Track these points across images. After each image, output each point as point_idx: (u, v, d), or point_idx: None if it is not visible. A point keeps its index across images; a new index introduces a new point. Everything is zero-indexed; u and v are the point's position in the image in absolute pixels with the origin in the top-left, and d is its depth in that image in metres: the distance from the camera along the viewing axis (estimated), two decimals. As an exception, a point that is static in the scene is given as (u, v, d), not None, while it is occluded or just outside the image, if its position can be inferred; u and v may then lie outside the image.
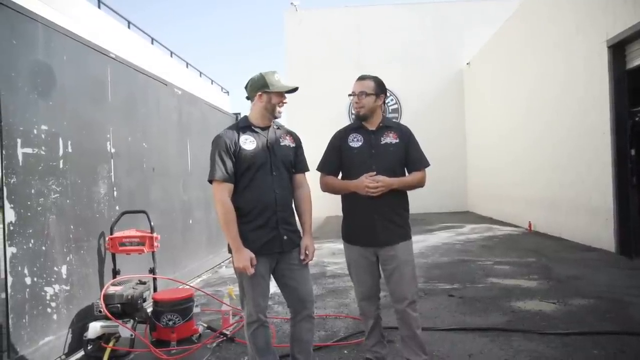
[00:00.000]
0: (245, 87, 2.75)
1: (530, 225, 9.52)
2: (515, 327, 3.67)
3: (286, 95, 2.68)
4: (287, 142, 2.73)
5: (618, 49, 6.41)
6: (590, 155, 7.12)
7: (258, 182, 2.57)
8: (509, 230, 9.85)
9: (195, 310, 3.85)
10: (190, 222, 6.13)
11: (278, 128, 2.75)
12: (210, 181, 2.58)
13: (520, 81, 10.12)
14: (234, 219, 2.51)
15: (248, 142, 2.59)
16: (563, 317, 3.90)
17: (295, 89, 2.69)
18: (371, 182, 2.69)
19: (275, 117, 2.70)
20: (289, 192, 2.71)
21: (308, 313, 2.67)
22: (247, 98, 2.75)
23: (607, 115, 6.56)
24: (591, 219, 7.13)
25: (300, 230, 2.74)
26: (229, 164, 2.54)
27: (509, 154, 10.94)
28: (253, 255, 2.49)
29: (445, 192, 14.84)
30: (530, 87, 9.52)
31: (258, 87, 2.63)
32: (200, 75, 16.52)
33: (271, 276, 2.68)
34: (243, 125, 2.66)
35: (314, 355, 2.78)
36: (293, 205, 2.77)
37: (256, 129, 2.65)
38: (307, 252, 2.67)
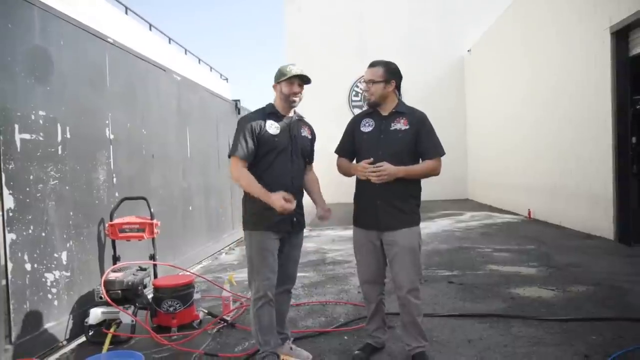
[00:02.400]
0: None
1: (530, 213, 9.54)
2: (515, 313, 3.69)
3: (302, 85, 2.85)
4: (306, 133, 2.97)
5: (621, 35, 6.35)
6: (591, 143, 7.09)
7: (277, 166, 2.77)
8: (508, 217, 9.87)
9: (196, 296, 3.86)
10: (190, 208, 6.12)
11: (299, 119, 2.96)
12: (229, 157, 2.77)
13: (521, 68, 10.05)
14: (253, 178, 2.69)
15: (273, 127, 2.79)
16: (562, 303, 3.92)
17: (302, 77, 2.82)
18: (372, 170, 2.71)
19: (290, 106, 2.88)
20: (302, 178, 2.95)
21: (289, 288, 2.98)
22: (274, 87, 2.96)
23: (608, 103, 6.52)
24: (591, 206, 7.13)
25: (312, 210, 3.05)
26: (251, 144, 2.73)
27: (510, 142, 10.91)
28: (284, 193, 2.64)
29: (446, 180, 14.71)
30: (532, 74, 9.45)
31: (275, 78, 2.87)
32: (199, 62, 16.43)
33: None
34: (270, 112, 2.85)
35: (288, 326, 3.07)
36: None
37: (281, 116, 2.85)
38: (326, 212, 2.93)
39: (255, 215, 2.76)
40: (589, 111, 7.14)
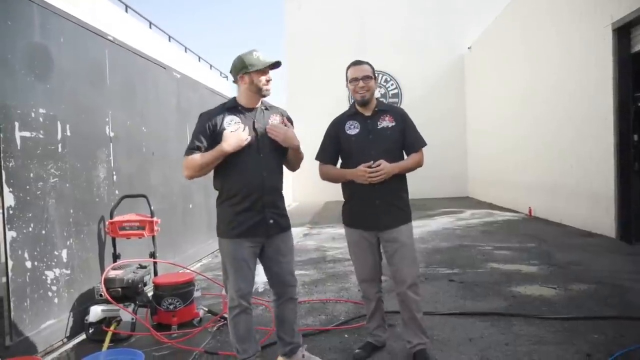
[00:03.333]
0: (231, 72, 2.71)
1: (530, 211, 9.52)
2: (516, 311, 3.68)
3: (270, 71, 2.62)
4: (277, 122, 2.70)
5: (623, 32, 6.32)
6: (591, 141, 7.08)
7: (244, 163, 2.55)
8: (509, 215, 9.85)
9: (196, 294, 3.85)
10: (190, 206, 6.12)
11: (266, 109, 2.72)
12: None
13: (521, 65, 10.02)
14: (199, 154, 2.50)
15: (233, 123, 2.57)
16: (563, 302, 3.91)
17: (275, 64, 2.62)
18: (372, 172, 2.69)
19: (264, 96, 2.66)
20: (279, 175, 2.71)
21: (290, 296, 2.75)
22: (234, 82, 2.72)
23: (610, 100, 6.50)
24: (592, 204, 7.12)
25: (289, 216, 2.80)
26: (204, 143, 2.53)
27: (510, 139, 10.89)
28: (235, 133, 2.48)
29: (446, 177, 14.84)
30: (532, 71, 9.43)
31: (238, 69, 2.60)
32: (199, 60, 16.38)
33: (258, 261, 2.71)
34: (230, 106, 2.64)
35: (298, 334, 2.86)
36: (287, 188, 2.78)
37: (243, 110, 2.64)
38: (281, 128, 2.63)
39: (226, 222, 2.58)
40: (589, 109, 7.12)
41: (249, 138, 2.54)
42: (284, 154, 2.73)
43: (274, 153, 2.65)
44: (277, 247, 2.68)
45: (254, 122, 2.62)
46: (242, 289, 2.58)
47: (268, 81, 2.61)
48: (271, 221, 2.61)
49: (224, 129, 2.53)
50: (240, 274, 2.57)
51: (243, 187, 2.55)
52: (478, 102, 13.94)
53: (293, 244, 2.85)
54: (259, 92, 2.62)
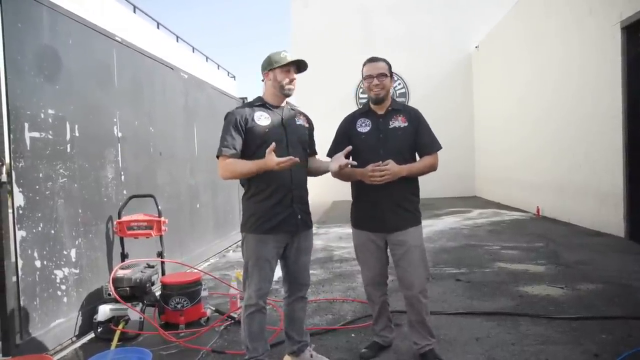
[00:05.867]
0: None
1: (538, 210, 9.46)
2: (523, 311, 3.66)
3: (296, 73, 2.70)
4: (302, 122, 2.77)
5: (632, 30, 6.26)
6: (600, 139, 7.02)
7: None
8: (516, 215, 9.80)
9: (203, 293, 3.87)
10: (198, 206, 6.15)
11: (292, 109, 2.79)
12: (218, 157, 2.61)
13: (529, 63, 9.95)
14: (241, 161, 2.52)
15: (263, 118, 2.61)
16: (571, 301, 3.88)
17: (298, 62, 2.67)
18: (376, 172, 2.64)
19: (286, 95, 2.70)
20: (304, 170, 2.76)
21: (301, 295, 2.83)
22: (263, 80, 2.78)
23: (619, 98, 6.44)
24: (600, 203, 7.06)
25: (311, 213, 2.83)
26: (239, 140, 2.55)
27: (518, 138, 10.83)
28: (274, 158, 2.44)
29: (453, 177, 14.75)
30: (540, 70, 9.37)
31: (265, 66, 2.69)
32: (207, 60, 16.44)
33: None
34: (258, 104, 2.69)
35: (307, 333, 2.90)
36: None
37: (270, 107, 2.68)
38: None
39: (255, 217, 2.58)
40: (598, 107, 7.07)
41: (293, 162, 2.47)
42: (307, 152, 2.79)
43: (300, 149, 2.69)
44: (298, 245, 2.71)
45: (282, 118, 2.67)
46: (263, 289, 2.61)
47: (291, 80, 2.66)
48: (299, 216, 2.64)
49: (255, 123, 2.57)
50: (262, 274, 2.59)
51: (272, 181, 2.57)
52: (486, 100, 13.87)
53: (312, 244, 2.87)
54: (282, 90, 2.66)
